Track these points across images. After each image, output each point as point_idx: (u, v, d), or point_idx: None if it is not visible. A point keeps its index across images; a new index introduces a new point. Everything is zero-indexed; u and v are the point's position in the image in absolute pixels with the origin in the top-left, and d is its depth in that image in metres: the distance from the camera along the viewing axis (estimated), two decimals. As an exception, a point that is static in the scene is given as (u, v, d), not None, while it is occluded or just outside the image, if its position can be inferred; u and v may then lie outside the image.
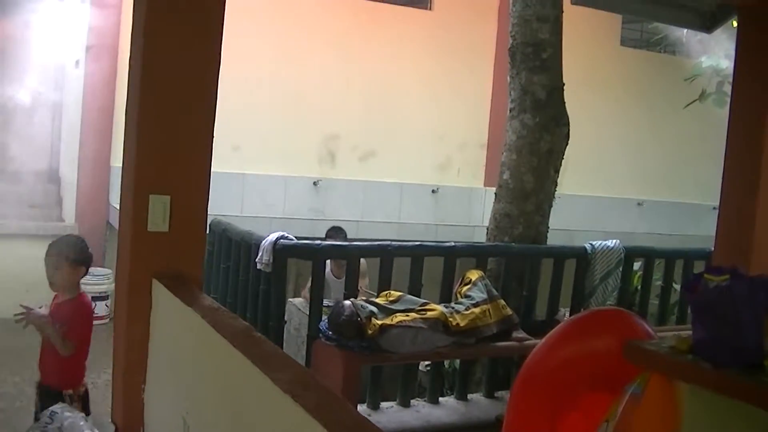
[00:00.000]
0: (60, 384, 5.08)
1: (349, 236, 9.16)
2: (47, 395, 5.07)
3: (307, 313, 6.50)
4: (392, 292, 6.27)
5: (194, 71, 4.07)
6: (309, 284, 7.05)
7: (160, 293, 4.01)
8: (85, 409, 5.11)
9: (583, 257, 7.50)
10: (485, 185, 13.39)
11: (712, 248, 6.00)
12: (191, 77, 4.07)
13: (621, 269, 7.57)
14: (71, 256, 5.08)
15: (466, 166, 13.69)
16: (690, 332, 2.99)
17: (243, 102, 11.33)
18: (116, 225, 9.98)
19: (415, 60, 13.04)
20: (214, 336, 3.11)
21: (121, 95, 10.32)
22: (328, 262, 8.77)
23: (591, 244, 7.56)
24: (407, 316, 5.91)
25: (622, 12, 10.93)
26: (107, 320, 10.60)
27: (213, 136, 4.12)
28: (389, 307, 5.98)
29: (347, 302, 5.86)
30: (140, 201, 4.04)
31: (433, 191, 13.40)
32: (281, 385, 2.47)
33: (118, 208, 4.54)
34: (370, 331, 5.67)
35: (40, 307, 5.04)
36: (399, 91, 12.98)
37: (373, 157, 12.90)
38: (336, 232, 9.18)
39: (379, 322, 5.73)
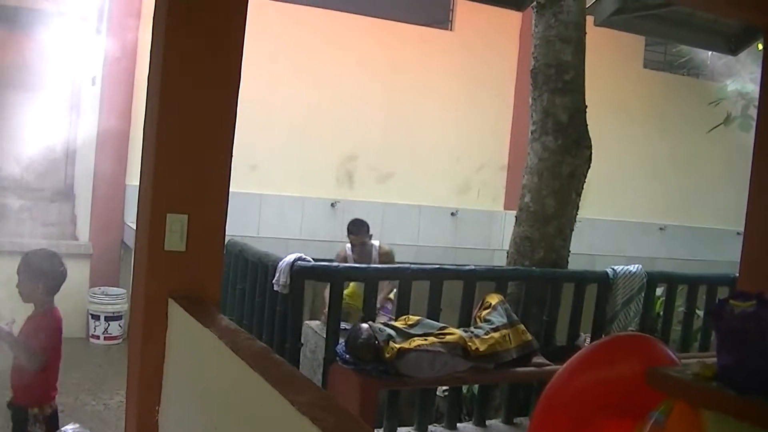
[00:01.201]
0: (27, 401, 5.09)
1: (366, 258, 9.19)
2: (16, 415, 5.11)
3: (324, 335, 6.50)
4: (410, 316, 6.27)
5: (214, 89, 4.08)
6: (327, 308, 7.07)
7: (177, 313, 4.01)
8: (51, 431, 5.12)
9: (604, 282, 7.49)
10: (505, 208, 13.39)
11: (737, 274, 5.97)
12: (210, 95, 4.07)
13: (643, 294, 7.55)
14: (29, 271, 5.14)
15: (486, 189, 13.71)
16: (714, 359, 2.99)
17: (261, 121, 11.38)
18: (131, 244, 10.08)
19: (435, 81, 13.08)
20: (232, 357, 3.10)
21: (138, 113, 10.41)
22: (347, 247, 8.84)
23: (613, 268, 7.54)
24: (425, 340, 5.90)
25: (646, 34, 10.96)
26: (120, 340, 10.65)
27: (232, 155, 4.12)
28: (407, 330, 5.98)
29: (365, 325, 5.86)
30: (157, 220, 4.04)
31: (452, 214, 13.41)
32: (300, 408, 2.46)
33: (135, 226, 4.54)
34: (387, 355, 5.67)
35: (12, 322, 5.06)
36: (418, 112, 13.02)
37: (392, 178, 12.93)
38: (358, 226, 9.15)
39: (397, 346, 5.73)
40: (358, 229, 9.12)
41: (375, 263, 9.13)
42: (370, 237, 9.24)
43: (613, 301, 7.47)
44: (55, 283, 5.26)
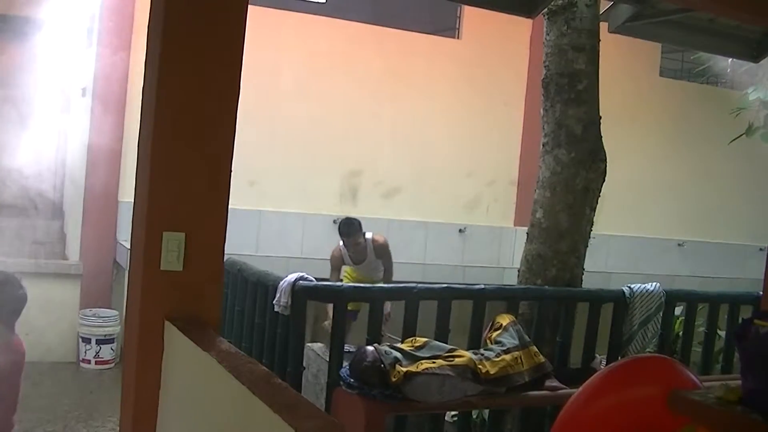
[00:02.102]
0: None
1: (371, 278, 9.20)
2: None
3: (327, 359, 6.50)
4: (417, 337, 6.26)
5: (212, 101, 4.08)
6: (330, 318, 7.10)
7: (174, 336, 4.01)
8: None
9: (620, 301, 7.49)
10: (516, 224, 13.38)
11: (761, 292, 5.98)
12: (208, 108, 4.08)
13: (661, 314, 7.54)
14: None
15: (496, 204, 13.70)
16: (739, 382, 2.99)
17: (260, 135, 11.40)
18: (124, 263, 10.08)
19: (442, 91, 13.08)
20: (233, 382, 3.11)
21: (131, 125, 10.44)
22: (341, 245, 8.87)
23: (629, 287, 7.54)
24: (434, 362, 5.90)
25: (663, 41, 10.95)
26: (113, 365, 10.63)
27: (231, 170, 4.13)
28: (414, 353, 5.97)
29: (370, 348, 5.86)
30: (153, 238, 4.04)
31: (460, 231, 13.40)
32: (305, 435, 2.47)
33: (129, 245, 4.54)
34: (394, 379, 5.66)
35: None
36: (425, 125, 13.02)
37: (398, 194, 12.93)
38: (348, 227, 9.16)
39: (404, 369, 5.72)
40: (349, 230, 9.14)
41: (371, 257, 9.19)
42: (363, 234, 9.26)
43: (630, 321, 7.47)
44: (11, 310, 5.01)
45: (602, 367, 6.76)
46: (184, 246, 4.06)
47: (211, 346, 3.64)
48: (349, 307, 7.97)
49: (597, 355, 7.42)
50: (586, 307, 7.35)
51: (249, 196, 11.59)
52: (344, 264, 9.39)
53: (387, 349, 5.88)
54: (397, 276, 9.61)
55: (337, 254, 9.33)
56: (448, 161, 13.20)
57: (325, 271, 9.20)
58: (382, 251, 9.34)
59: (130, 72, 10.91)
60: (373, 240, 9.32)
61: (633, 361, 5.19)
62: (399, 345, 6.13)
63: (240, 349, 6.10)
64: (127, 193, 10.75)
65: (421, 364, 5.85)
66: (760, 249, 13.71)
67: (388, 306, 8.48)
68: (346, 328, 8.40)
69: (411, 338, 6.27)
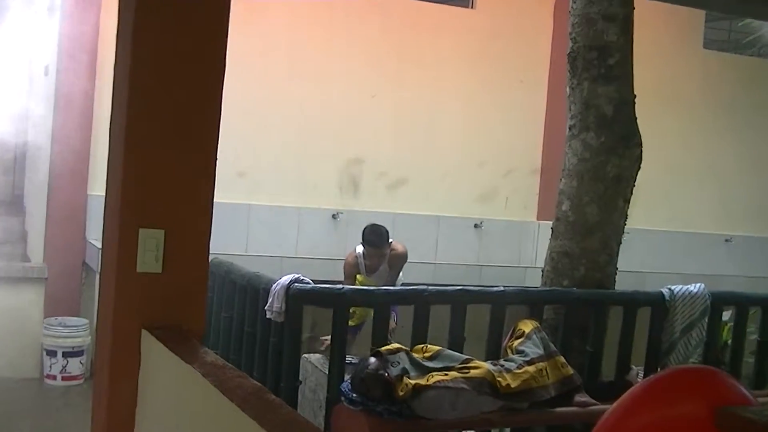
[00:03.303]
0: None
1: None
2: None
3: (326, 371, 6.51)
4: (429, 346, 6.26)
5: (194, 81, 4.08)
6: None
7: (152, 347, 4.01)
8: None
9: (659, 305, 7.49)
10: (539, 218, 13.38)
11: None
12: (190, 89, 4.07)
13: (707, 320, 7.53)
14: None
15: (516, 196, 13.68)
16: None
17: (249, 119, 11.38)
18: (94, 265, 10.08)
19: (454, 68, 13.05)
20: (220, 399, 3.11)
21: (102, 108, 10.40)
22: (360, 252, 8.84)
23: (669, 289, 7.54)
24: (446, 375, 5.91)
25: (706, 8, 10.94)
26: (82, 380, 10.61)
27: (216, 160, 4.13)
28: (425, 364, 5.98)
29: (372, 358, 5.85)
30: (128, 236, 4.03)
31: (475, 226, 13.39)
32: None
33: (99, 245, 4.55)
34: (401, 392, 5.65)
35: None
36: (434, 106, 13.00)
37: (404, 185, 12.92)
38: (379, 237, 9.12)
39: (413, 382, 5.72)
40: (379, 240, 9.10)
41: (385, 266, 9.17)
42: (390, 244, 9.27)
43: (670, 328, 7.47)
44: None
45: (639, 380, 6.76)
46: (164, 245, 4.06)
47: (194, 358, 3.65)
48: (350, 323, 7.99)
49: (633, 367, 7.42)
50: (619, 311, 7.35)
51: (237, 188, 11.58)
52: (358, 272, 9.36)
53: (394, 360, 5.87)
54: (405, 278, 9.60)
55: (352, 261, 9.29)
56: (460, 147, 13.18)
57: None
58: (397, 261, 9.30)
59: (100, 46, 10.88)
60: (392, 248, 9.29)
61: (674, 373, 5.18)
62: (407, 354, 6.11)
63: (228, 361, 6.10)
64: (97, 186, 10.75)
65: (432, 376, 5.85)
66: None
67: (392, 322, 8.49)
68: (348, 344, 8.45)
69: (421, 346, 6.27)
